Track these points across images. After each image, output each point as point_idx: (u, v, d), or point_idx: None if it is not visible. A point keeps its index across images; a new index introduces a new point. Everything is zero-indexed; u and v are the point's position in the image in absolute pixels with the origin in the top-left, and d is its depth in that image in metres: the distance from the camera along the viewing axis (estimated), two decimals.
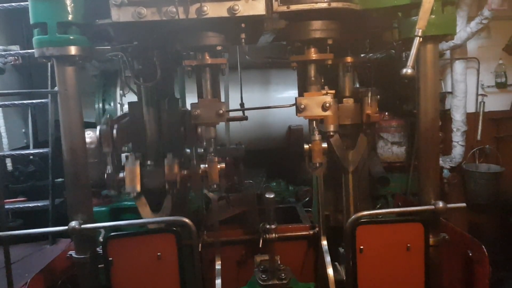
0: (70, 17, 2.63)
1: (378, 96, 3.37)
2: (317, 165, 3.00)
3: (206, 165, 2.96)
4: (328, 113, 2.92)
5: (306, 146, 2.99)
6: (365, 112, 3.35)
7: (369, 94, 3.31)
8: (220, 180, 2.96)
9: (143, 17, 2.55)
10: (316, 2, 2.66)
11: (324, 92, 3.01)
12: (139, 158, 3.14)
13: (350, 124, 3.45)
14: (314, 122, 2.98)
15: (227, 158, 3.85)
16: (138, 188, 3.09)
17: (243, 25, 2.72)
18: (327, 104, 2.88)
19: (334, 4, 2.66)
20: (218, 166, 2.93)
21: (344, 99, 3.46)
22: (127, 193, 3.10)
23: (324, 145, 2.99)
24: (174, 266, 2.93)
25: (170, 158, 3.14)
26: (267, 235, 3.23)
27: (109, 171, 3.06)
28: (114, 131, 3.08)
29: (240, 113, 4.32)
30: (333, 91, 3.12)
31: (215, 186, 2.96)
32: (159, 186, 3.13)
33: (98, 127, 3.08)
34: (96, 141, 4.83)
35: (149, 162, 3.24)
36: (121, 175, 3.09)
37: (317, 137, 2.97)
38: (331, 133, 3.30)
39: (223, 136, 5.87)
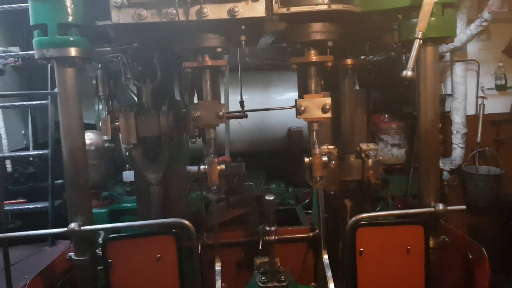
0: (70, 19, 2.63)
1: (381, 157, 3.43)
2: (318, 178, 2.99)
3: (206, 167, 2.95)
4: (327, 115, 2.91)
5: (306, 160, 2.98)
6: (366, 175, 3.42)
7: (370, 154, 3.40)
8: (220, 181, 2.96)
9: (143, 19, 2.55)
10: (316, 4, 2.67)
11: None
12: (133, 108, 3.14)
13: (352, 180, 3.52)
14: (314, 124, 2.98)
15: (227, 158, 3.86)
16: (134, 139, 3.11)
17: (243, 27, 2.72)
18: (327, 106, 2.88)
19: (334, 6, 2.67)
20: (218, 168, 2.93)
21: (346, 156, 3.53)
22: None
23: (325, 158, 2.98)
24: (174, 268, 2.92)
25: (165, 108, 3.16)
26: (266, 237, 3.23)
27: (104, 115, 3.07)
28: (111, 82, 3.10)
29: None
30: (336, 150, 3.26)
31: (214, 188, 2.95)
32: (155, 136, 3.15)
33: (94, 74, 3.12)
34: (95, 143, 4.84)
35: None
36: (116, 123, 3.11)
37: (317, 150, 2.95)
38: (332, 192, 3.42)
39: (223, 137, 5.87)
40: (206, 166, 2.92)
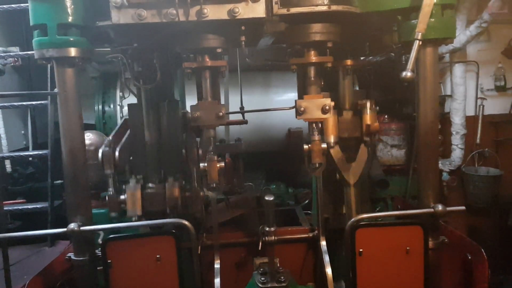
0: (70, 19, 2.63)
1: (378, 108, 3.38)
2: (317, 165, 2.99)
3: (206, 164, 2.95)
4: (327, 116, 2.92)
5: (305, 147, 2.99)
6: (365, 123, 3.36)
7: (368, 105, 3.32)
8: (219, 179, 2.96)
9: (143, 19, 2.55)
10: (316, 5, 2.67)
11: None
12: (140, 182, 3.18)
13: (350, 137, 3.46)
14: (314, 124, 2.98)
15: (227, 158, 3.86)
16: (139, 212, 3.13)
17: (243, 27, 2.72)
18: (327, 107, 2.88)
19: (334, 7, 2.67)
20: (218, 165, 2.93)
21: (344, 111, 3.47)
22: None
23: (324, 145, 2.98)
24: (173, 268, 2.92)
25: (171, 182, 3.19)
26: (266, 237, 3.23)
27: (111, 193, 3.10)
28: (116, 154, 3.13)
29: (239, 116, 4.32)
30: (332, 102, 3.14)
31: (214, 185, 2.96)
32: (160, 209, 3.18)
33: (100, 150, 3.12)
34: (95, 143, 4.84)
35: (150, 185, 3.27)
36: (122, 197, 3.14)
37: (316, 137, 2.96)
38: (332, 144, 3.31)
39: (222, 137, 5.87)
40: (206, 164, 2.93)
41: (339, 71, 3.51)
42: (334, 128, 3.32)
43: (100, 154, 3.11)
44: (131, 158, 3.36)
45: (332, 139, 3.30)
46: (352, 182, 3.44)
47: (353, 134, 3.45)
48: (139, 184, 3.17)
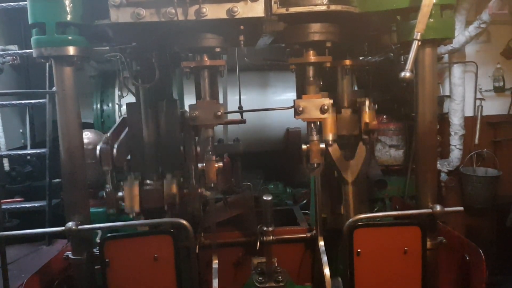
0: (68, 17, 2.63)
1: (376, 106, 3.38)
2: (315, 165, 2.99)
3: (204, 164, 2.95)
4: (326, 115, 2.92)
5: (304, 147, 2.98)
6: (363, 121, 3.35)
7: (367, 103, 3.33)
8: (218, 179, 2.96)
9: (142, 18, 2.55)
10: (315, 5, 2.67)
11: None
12: (138, 178, 3.18)
13: (349, 134, 3.45)
14: (313, 124, 2.98)
15: (225, 159, 3.85)
16: (137, 208, 3.12)
17: (242, 27, 2.72)
18: (325, 107, 2.88)
19: (333, 7, 2.67)
20: (216, 165, 2.93)
21: (343, 109, 3.46)
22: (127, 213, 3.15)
23: (322, 145, 2.98)
24: (171, 267, 2.92)
25: (169, 179, 3.19)
26: (264, 237, 3.23)
27: (109, 190, 3.10)
28: (114, 150, 3.12)
29: (238, 115, 4.32)
30: (331, 100, 3.14)
31: (212, 185, 2.95)
32: (158, 206, 3.17)
33: (98, 147, 3.12)
34: (93, 142, 4.84)
35: (148, 181, 3.27)
36: (120, 194, 3.13)
37: (315, 137, 2.96)
38: (330, 142, 3.31)
39: (220, 137, 5.87)
40: (204, 164, 2.92)
41: (337, 71, 3.51)
42: (332, 126, 3.32)
43: (98, 151, 3.11)
44: (129, 157, 3.35)
45: (330, 137, 3.30)
46: (350, 180, 3.44)
47: (352, 132, 3.44)
48: (137, 181, 3.16)
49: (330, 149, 3.31)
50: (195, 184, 3.23)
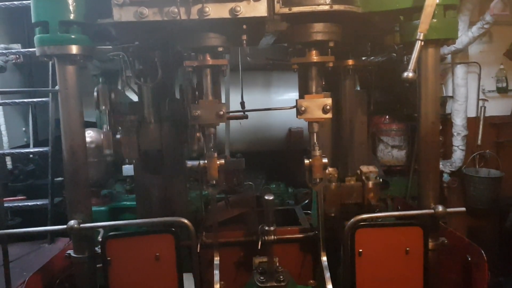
0: (71, 16, 2.63)
1: (381, 180, 3.46)
2: (318, 180, 2.98)
3: (206, 161, 2.95)
4: (328, 115, 2.91)
5: (306, 161, 2.96)
6: (366, 197, 3.43)
7: (371, 177, 3.42)
8: (219, 176, 2.95)
9: (145, 17, 2.55)
10: (318, 5, 2.66)
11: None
12: (135, 124, 3.16)
13: (352, 203, 3.54)
14: (314, 125, 2.97)
15: (227, 157, 3.85)
16: (135, 154, 3.12)
17: (244, 26, 2.72)
18: (328, 107, 2.88)
19: (336, 7, 2.66)
20: (218, 162, 2.92)
21: (347, 178, 3.56)
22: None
23: (325, 160, 2.96)
24: (172, 266, 2.92)
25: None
26: (265, 237, 3.23)
27: (106, 130, 3.08)
28: (113, 95, 3.11)
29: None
30: (336, 172, 3.32)
31: (214, 182, 2.95)
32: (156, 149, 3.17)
33: (96, 88, 3.10)
34: (96, 141, 4.84)
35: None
36: (118, 136, 3.11)
37: (317, 152, 2.93)
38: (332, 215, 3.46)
39: (223, 136, 5.87)
40: (206, 161, 2.92)
41: (340, 71, 3.51)
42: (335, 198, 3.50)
43: (95, 92, 3.09)
44: None
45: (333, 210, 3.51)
46: None
47: (355, 201, 3.55)
48: (134, 125, 3.16)
49: None
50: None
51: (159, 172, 3.35)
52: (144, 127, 3.27)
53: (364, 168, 3.50)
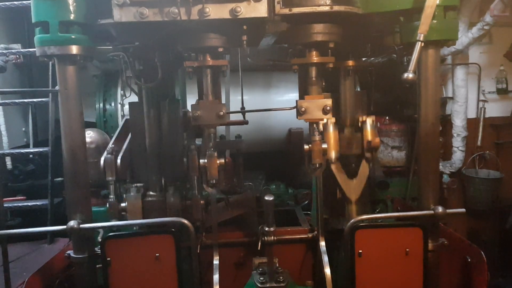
0: (72, 16, 2.63)
1: (378, 124, 3.40)
2: (317, 165, 2.98)
3: (206, 160, 2.95)
4: (328, 116, 2.91)
5: (306, 147, 2.95)
6: (366, 140, 3.39)
7: (369, 122, 3.36)
8: (219, 175, 2.95)
9: (145, 18, 2.55)
10: (318, 5, 2.66)
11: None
12: (140, 191, 3.20)
13: (352, 154, 3.49)
14: (315, 124, 2.97)
15: (227, 158, 3.85)
16: (140, 218, 3.15)
17: (244, 27, 2.72)
18: (328, 107, 2.88)
19: (336, 8, 2.66)
20: (218, 162, 2.92)
21: (345, 128, 3.50)
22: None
23: (324, 145, 2.95)
24: (172, 267, 2.92)
25: (172, 191, 3.22)
26: (265, 237, 3.22)
27: (112, 200, 3.12)
28: (118, 161, 3.14)
29: (240, 115, 4.31)
30: (333, 119, 3.15)
31: (213, 181, 2.95)
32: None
33: (102, 158, 3.13)
34: (96, 141, 4.84)
35: (151, 193, 3.28)
36: (123, 204, 3.16)
37: (317, 137, 2.93)
38: (333, 161, 3.35)
39: (222, 133, 5.87)
40: (206, 160, 2.92)
41: (340, 72, 3.51)
42: (335, 144, 3.34)
43: (102, 162, 3.13)
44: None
45: (333, 155, 3.32)
46: (353, 199, 3.43)
47: (355, 151, 3.48)
48: (139, 194, 3.20)
49: (333, 167, 3.32)
50: (197, 195, 3.24)
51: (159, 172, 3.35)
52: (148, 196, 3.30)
53: (363, 117, 3.48)
